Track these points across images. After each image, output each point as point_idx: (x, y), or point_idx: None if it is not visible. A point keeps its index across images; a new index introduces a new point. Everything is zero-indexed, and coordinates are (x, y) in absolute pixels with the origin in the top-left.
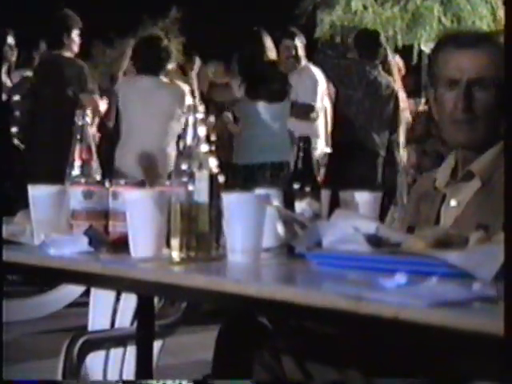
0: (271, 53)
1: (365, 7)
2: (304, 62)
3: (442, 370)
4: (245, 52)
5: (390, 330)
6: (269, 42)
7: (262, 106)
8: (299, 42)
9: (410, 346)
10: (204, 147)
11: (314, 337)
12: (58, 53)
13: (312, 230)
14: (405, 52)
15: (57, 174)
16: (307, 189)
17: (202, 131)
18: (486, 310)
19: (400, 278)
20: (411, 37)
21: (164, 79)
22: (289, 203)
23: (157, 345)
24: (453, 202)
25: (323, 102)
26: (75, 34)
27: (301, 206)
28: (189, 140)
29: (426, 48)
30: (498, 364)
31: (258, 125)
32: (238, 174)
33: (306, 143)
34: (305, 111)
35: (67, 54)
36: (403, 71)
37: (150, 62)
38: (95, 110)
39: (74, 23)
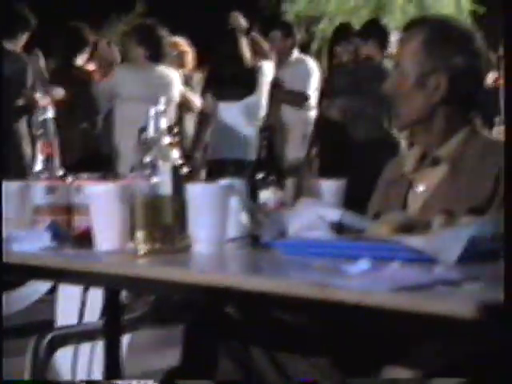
0: (244, 52)
1: None
2: (297, 53)
3: (407, 354)
4: (215, 53)
5: (354, 315)
6: (243, 42)
7: (226, 106)
8: (291, 33)
9: (376, 332)
10: (166, 139)
11: (282, 326)
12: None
13: (276, 219)
14: None
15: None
16: (271, 178)
17: (163, 123)
18: (449, 293)
19: (363, 264)
20: None
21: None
22: (253, 193)
23: (126, 339)
24: (420, 187)
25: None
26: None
27: (265, 195)
28: (151, 132)
29: (392, 36)
30: (463, 346)
31: (226, 123)
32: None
33: (269, 132)
34: (300, 99)
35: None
36: None
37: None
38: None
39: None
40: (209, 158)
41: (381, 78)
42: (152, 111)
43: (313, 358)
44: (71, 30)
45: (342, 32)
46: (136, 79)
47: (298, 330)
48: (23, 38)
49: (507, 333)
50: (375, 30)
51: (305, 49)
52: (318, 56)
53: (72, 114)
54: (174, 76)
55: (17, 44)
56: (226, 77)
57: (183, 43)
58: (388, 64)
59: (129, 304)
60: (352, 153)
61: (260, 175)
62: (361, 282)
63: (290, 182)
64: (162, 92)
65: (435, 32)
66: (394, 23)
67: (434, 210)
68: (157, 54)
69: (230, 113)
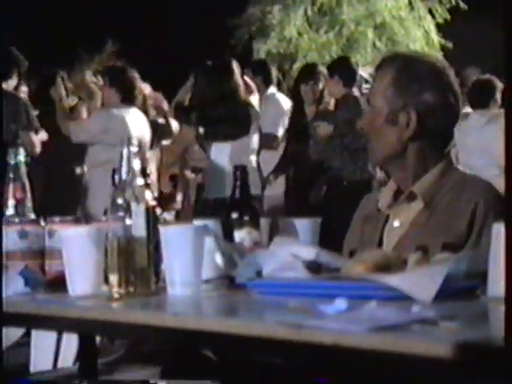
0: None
1: (299, 34)
2: (269, 89)
3: None
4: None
5: (331, 356)
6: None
7: (219, 145)
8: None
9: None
10: (139, 180)
11: (260, 368)
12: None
13: (251, 260)
14: None
15: None
16: (246, 218)
17: (136, 164)
18: (426, 332)
19: (340, 304)
20: None
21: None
22: (228, 233)
23: None
24: (396, 223)
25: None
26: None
27: (240, 235)
28: (124, 173)
29: (363, 72)
30: None
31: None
32: (209, 208)
33: (243, 172)
34: (268, 141)
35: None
36: None
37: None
38: (32, 148)
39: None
40: (205, 197)
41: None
42: (125, 152)
43: None
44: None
45: (308, 71)
46: (114, 124)
47: (275, 371)
48: (15, 79)
49: (485, 372)
50: (342, 67)
51: (278, 87)
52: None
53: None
54: (144, 119)
55: (9, 85)
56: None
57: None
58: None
59: (104, 347)
60: (329, 192)
61: (234, 215)
62: (337, 322)
63: (264, 222)
64: (137, 134)
65: (404, 69)
66: (364, 59)
67: (410, 246)
68: (129, 97)
69: (222, 153)
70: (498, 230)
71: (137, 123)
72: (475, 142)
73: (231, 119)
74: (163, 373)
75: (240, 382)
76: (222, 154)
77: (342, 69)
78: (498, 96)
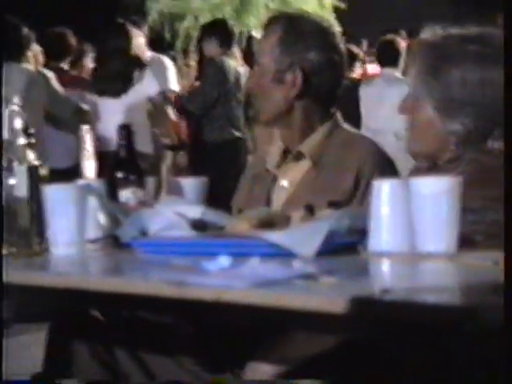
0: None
1: None
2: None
3: (270, 350)
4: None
5: (213, 312)
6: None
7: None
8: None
9: (238, 329)
10: (22, 140)
11: (146, 326)
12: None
13: (136, 219)
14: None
15: None
16: (131, 177)
17: (18, 124)
18: (307, 287)
19: (223, 261)
20: (240, 22)
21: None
22: (113, 192)
23: None
24: (284, 182)
25: None
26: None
27: (125, 194)
28: (5, 133)
29: (256, 34)
30: (321, 339)
31: (104, 118)
32: None
33: (127, 131)
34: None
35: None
36: None
37: None
38: None
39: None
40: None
41: (222, 76)
42: (6, 111)
43: (178, 357)
44: (56, 36)
45: (212, 28)
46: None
47: (162, 329)
48: (30, 55)
49: (363, 326)
50: (217, 29)
51: (170, 46)
52: (184, 54)
53: None
54: (34, 74)
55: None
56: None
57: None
58: (232, 62)
59: None
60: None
61: (119, 174)
62: (219, 278)
63: (150, 181)
64: (20, 91)
65: (290, 28)
66: (257, 21)
67: (298, 204)
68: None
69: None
70: (379, 186)
71: (19, 81)
72: (375, 106)
73: (116, 75)
74: (49, 334)
75: (125, 343)
76: (107, 110)
77: (219, 30)
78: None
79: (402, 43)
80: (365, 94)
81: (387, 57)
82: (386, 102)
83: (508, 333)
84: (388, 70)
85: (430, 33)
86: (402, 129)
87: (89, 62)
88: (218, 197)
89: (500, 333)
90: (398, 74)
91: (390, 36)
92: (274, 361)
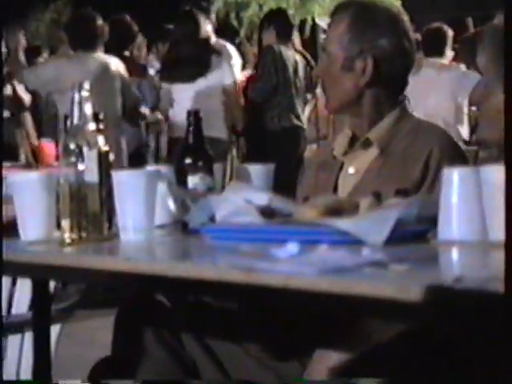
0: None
1: None
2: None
3: (338, 337)
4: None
5: (281, 298)
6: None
7: (175, 87)
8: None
9: (306, 316)
10: (91, 125)
11: (213, 312)
12: None
13: (204, 205)
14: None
15: None
16: (199, 163)
17: (88, 109)
18: (376, 274)
19: (291, 248)
20: (305, 10)
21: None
22: (181, 179)
23: (55, 329)
24: (351, 170)
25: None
26: None
27: (194, 180)
28: (75, 119)
29: (321, 22)
30: (392, 327)
31: (176, 104)
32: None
33: (196, 117)
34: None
35: None
36: None
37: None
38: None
39: None
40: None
41: (281, 64)
42: (76, 97)
43: (245, 344)
44: (120, 23)
45: (271, 18)
46: (73, 70)
47: (229, 316)
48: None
49: (434, 314)
50: (277, 19)
51: (235, 34)
52: (248, 41)
53: None
54: (110, 62)
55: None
56: (183, 57)
57: None
58: (290, 52)
59: (58, 294)
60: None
61: (188, 160)
62: (288, 265)
63: (218, 167)
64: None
65: (360, 15)
66: (322, 10)
67: (365, 192)
68: (91, 41)
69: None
70: (450, 174)
71: (94, 69)
72: (424, 93)
73: (189, 60)
74: (117, 320)
75: (192, 328)
76: (179, 96)
77: (278, 20)
78: (450, 44)
79: (450, 32)
80: (413, 81)
81: (433, 45)
82: (434, 89)
83: None
84: (434, 59)
85: (500, 20)
86: (450, 116)
87: (144, 50)
88: (278, 184)
89: None
90: (445, 61)
91: (436, 24)
92: (341, 349)
